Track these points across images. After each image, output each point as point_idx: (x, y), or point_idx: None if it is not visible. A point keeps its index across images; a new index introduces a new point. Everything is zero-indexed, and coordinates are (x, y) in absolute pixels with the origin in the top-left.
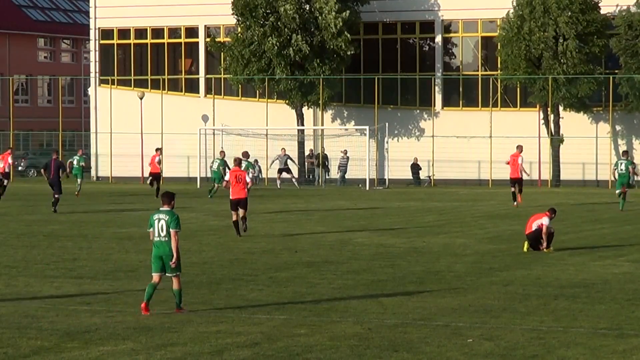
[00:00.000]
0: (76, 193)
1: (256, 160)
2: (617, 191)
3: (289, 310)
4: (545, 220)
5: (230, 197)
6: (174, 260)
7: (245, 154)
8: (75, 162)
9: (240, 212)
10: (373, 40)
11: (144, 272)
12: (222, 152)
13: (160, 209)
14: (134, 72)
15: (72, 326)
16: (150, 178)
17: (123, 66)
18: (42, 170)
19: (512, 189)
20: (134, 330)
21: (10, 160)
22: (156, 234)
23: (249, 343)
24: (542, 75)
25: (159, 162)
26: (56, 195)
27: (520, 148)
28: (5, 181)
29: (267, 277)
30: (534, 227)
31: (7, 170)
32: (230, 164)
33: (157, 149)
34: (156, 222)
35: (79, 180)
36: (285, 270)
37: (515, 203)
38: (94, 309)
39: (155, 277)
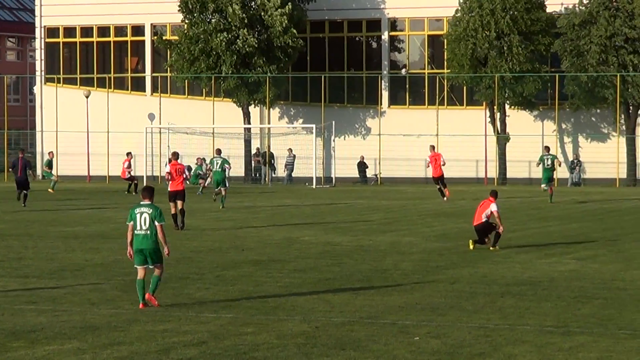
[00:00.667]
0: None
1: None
2: (543, 186)
3: (235, 309)
4: (493, 207)
5: (169, 189)
6: (166, 251)
7: (218, 151)
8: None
9: (179, 204)
10: (320, 38)
11: (90, 271)
12: (219, 150)
13: (141, 203)
14: (80, 70)
15: (17, 325)
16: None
17: (69, 64)
18: (10, 169)
19: (438, 187)
20: (80, 330)
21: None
22: (138, 227)
23: (195, 342)
24: (488, 73)
25: (128, 167)
26: (25, 192)
27: (433, 147)
28: None
29: (214, 275)
30: (484, 217)
31: None
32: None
33: (127, 154)
34: (138, 215)
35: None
36: (232, 269)
37: (445, 198)
38: (40, 308)
39: (140, 270)
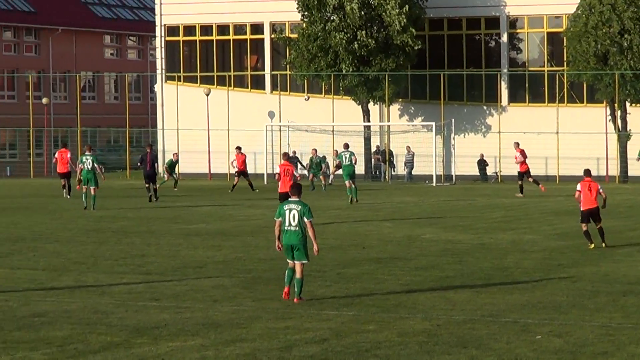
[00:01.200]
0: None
1: (324, 157)
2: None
3: (357, 307)
4: (598, 185)
5: (279, 191)
6: (316, 248)
7: (346, 145)
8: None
9: None
10: (439, 36)
11: (212, 268)
12: (347, 144)
13: (290, 199)
14: (200, 68)
15: (141, 322)
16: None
17: (189, 63)
18: (138, 164)
19: (520, 182)
20: (202, 326)
21: (69, 156)
22: (287, 224)
23: (317, 339)
24: (609, 71)
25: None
26: (154, 186)
27: (517, 144)
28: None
29: (335, 273)
30: (598, 200)
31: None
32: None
33: (237, 148)
34: (287, 212)
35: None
36: (353, 267)
37: (541, 186)
38: (163, 305)
39: (291, 263)
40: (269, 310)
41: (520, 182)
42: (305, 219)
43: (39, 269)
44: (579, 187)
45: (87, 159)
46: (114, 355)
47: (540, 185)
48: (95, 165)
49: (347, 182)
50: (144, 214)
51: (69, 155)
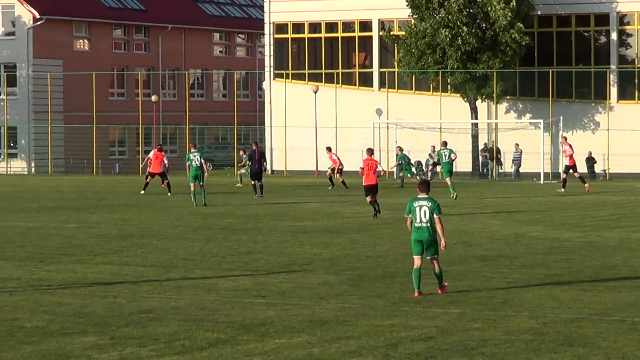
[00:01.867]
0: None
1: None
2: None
3: (463, 304)
4: None
5: (363, 184)
6: (443, 244)
7: (444, 143)
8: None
9: (373, 196)
10: (547, 32)
11: (319, 265)
12: (445, 142)
13: (419, 196)
14: (308, 66)
15: (247, 319)
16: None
17: (297, 60)
18: (247, 162)
19: (564, 176)
20: (309, 324)
21: (165, 161)
22: (417, 220)
23: (423, 337)
24: None
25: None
26: (260, 183)
27: (566, 139)
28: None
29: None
30: None
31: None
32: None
33: (328, 148)
34: (417, 208)
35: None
36: (460, 264)
37: (587, 185)
38: (269, 302)
39: (417, 260)
40: (375, 308)
41: (564, 177)
42: (435, 215)
43: (147, 265)
44: None
45: (194, 156)
46: (220, 352)
47: (586, 185)
48: (202, 161)
49: (447, 180)
50: (251, 211)
51: (165, 160)
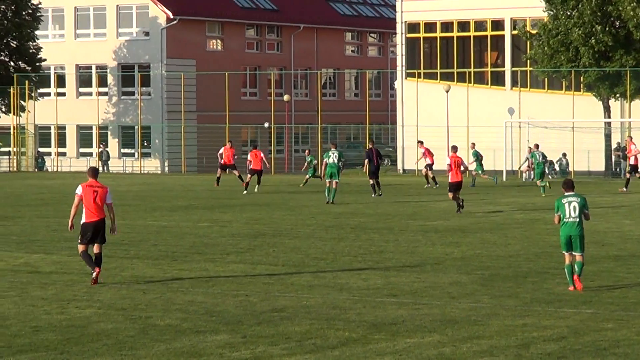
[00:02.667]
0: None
1: (564, 154)
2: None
3: (595, 304)
4: None
5: (450, 181)
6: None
7: (536, 146)
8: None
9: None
10: None
11: (450, 264)
12: (537, 145)
13: (566, 194)
14: (440, 65)
15: (378, 318)
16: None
17: (429, 59)
18: (365, 161)
19: (628, 176)
20: (440, 323)
21: (262, 155)
22: (567, 215)
23: (555, 337)
24: None
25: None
26: (377, 180)
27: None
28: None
29: None
30: None
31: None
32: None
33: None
34: (566, 205)
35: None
36: (592, 264)
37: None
38: (401, 301)
39: (567, 256)
40: (506, 308)
41: (628, 176)
42: (585, 211)
43: (279, 264)
44: None
45: (333, 154)
46: (352, 351)
47: None
48: (335, 161)
49: (538, 182)
50: (382, 210)
51: (262, 155)
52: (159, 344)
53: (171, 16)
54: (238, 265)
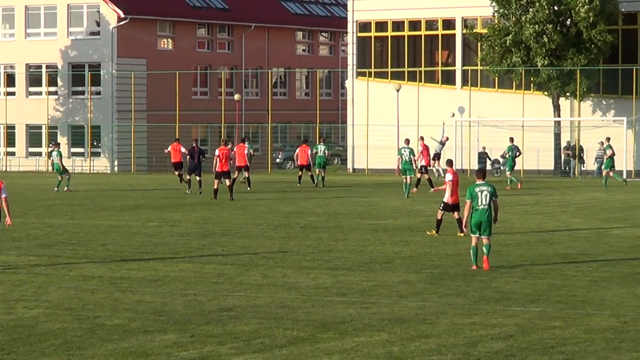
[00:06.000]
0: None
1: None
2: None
3: (543, 303)
4: None
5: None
6: (497, 220)
7: (511, 139)
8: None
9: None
10: (632, 30)
11: (399, 263)
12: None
13: (478, 182)
14: (391, 64)
15: (327, 317)
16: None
17: (380, 58)
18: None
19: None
20: (388, 322)
21: (183, 150)
22: (478, 203)
23: (503, 335)
24: None
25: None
26: (199, 179)
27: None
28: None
29: (522, 269)
30: None
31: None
32: None
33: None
34: (479, 194)
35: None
36: (540, 263)
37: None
38: (349, 300)
39: (474, 238)
40: (454, 306)
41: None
42: (494, 198)
43: (228, 264)
44: None
45: (321, 147)
46: (300, 350)
47: None
48: (327, 152)
49: (508, 173)
50: (332, 209)
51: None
52: (107, 344)
53: (122, 15)
54: (187, 264)
